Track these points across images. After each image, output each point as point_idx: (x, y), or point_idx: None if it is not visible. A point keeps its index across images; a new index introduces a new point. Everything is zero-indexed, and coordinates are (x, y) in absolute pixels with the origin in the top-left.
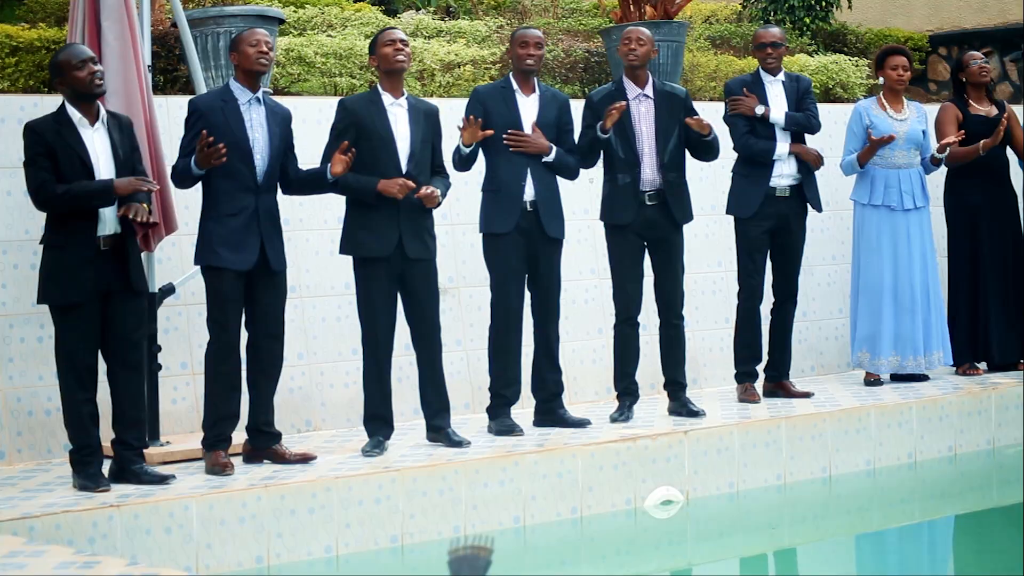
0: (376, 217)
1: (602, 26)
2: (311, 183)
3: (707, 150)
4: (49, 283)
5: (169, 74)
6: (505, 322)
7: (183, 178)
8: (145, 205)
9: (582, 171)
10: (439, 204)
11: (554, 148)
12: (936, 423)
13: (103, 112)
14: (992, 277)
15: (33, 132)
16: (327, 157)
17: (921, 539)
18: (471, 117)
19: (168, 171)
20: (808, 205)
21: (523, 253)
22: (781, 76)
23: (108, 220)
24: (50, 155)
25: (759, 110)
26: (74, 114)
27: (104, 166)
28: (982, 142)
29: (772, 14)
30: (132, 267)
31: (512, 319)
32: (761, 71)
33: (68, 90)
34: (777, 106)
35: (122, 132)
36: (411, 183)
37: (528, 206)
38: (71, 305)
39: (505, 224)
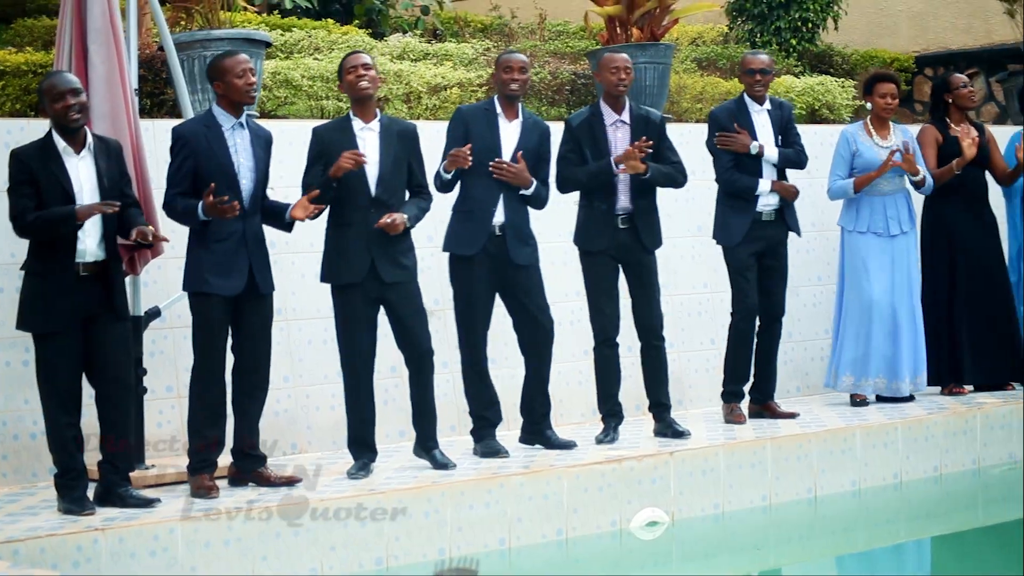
0: (348, 243)
1: (589, 48)
2: (272, 216)
3: (666, 184)
4: (28, 310)
5: (156, 97)
6: (471, 344)
7: (182, 217)
8: (151, 226)
9: (567, 195)
10: (410, 227)
11: (534, 183)
12: (922, 443)
13: (90, 139)
14: (971, 299)
15: (17, 160)
16: (305, 187)
17: (906, 559)
18: (463, 153)
19: (154, 194)
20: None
21: (490, 277)
22: (767, 104)
23: (88, 247)
24: (32, 183)
25: (754, 148)
26: (59, 142)
27: (88, 194)
28: (955, 161)
29: (758, 36)
30: (115, 292)
31: (478, 341)
32: (747, 98)
33: (50, 119)
34: (764, 136)
35: (110, 158)
36: (360, 155)
37: (496, 230)
38: (50, 333)
39: (471, 247)
